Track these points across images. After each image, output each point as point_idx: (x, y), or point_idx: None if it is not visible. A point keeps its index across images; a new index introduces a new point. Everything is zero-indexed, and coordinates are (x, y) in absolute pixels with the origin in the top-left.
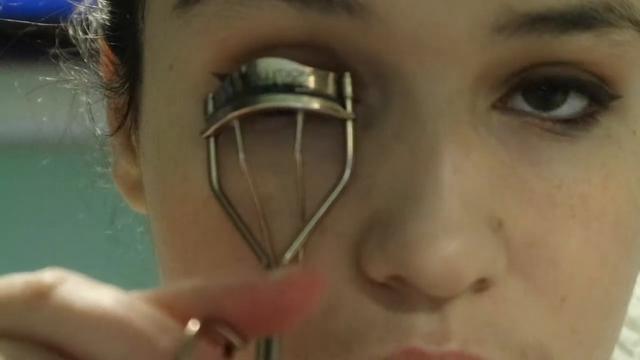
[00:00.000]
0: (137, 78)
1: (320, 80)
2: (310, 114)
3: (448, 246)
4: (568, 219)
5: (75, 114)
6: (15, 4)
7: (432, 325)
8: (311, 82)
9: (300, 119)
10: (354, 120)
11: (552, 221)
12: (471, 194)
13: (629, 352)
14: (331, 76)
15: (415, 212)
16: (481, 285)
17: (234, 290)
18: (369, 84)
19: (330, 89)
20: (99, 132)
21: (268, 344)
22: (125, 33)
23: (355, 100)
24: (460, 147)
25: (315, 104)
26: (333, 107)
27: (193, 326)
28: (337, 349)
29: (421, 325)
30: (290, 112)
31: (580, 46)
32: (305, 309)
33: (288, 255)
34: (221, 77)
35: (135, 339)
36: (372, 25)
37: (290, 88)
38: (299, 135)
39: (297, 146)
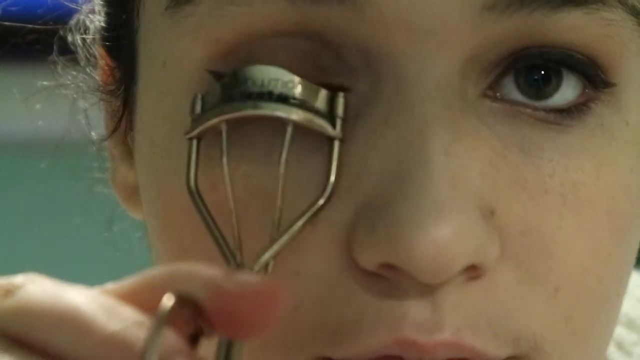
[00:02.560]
0: (133, 80)
1: (313, 95)
2: (300, 126)
3: (438, 230)
4: (560, 207)
5: (73, 117)
6: (14, 8)
7: (424, 314)
8: (304, 95)
9: (289, 131)
10: (341, 140)
11: (544, 209)
12: (462, 178)
13: (628, 353)
14: (324, 92)
15: (404, 194)
16: (474, 273)
17: (205, 279)
18: (360, 73)
19: (322, 105)
20: (95, 136)
21: (229, 347)
22: (121, 33)
23: (346, 89)
24: (451, 132)
25: (305, 118)
26: (323, 125)
27: (167, 301)
28: (329, 340)
29: (413, 315)
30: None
31: (571, 24)
32: (265, 319)
33: (258, 264)
34: (214, 73)
35: (83, 329)
36: (364, 11)
37: (283, 98)
38: (286, 147)
39: (283, 158)
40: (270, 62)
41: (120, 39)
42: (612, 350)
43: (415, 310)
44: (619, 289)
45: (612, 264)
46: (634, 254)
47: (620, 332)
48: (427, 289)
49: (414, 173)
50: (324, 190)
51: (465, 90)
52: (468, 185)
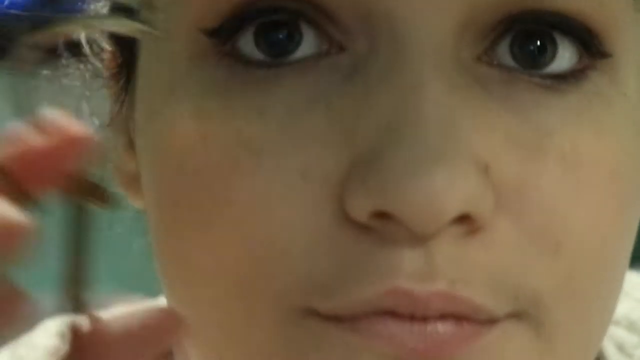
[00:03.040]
0: (134, 64)
1: None
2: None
3: (430, 177)
4: (560, 163)
5: (77, 117)
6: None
7: (417, 263)
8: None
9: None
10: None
11: (543, 166)
12: (454, 129)
13: (629, 355)
14: None
15: (396, 144)
16: (469, 226)
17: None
18: (356, 33)
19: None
20: (99, 135)
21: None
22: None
23: (342, 49)
24: (445, 86)
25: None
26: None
27: None
28: (317, 291)
29: (406, 264)
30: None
31: None
32: (73, 159)
33: None
34: (208, 32)
35: None
36: None
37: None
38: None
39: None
40: (263, 23)
41: None
42: (613, 352)
43: (408, 260)
44: (622, 255)
45: (616, 226)
46: (636, 226)
47: (621, 334)
48: (420, 241)
49: (406, 123)
50: None
51: (460, 53)
52: (461, 137)
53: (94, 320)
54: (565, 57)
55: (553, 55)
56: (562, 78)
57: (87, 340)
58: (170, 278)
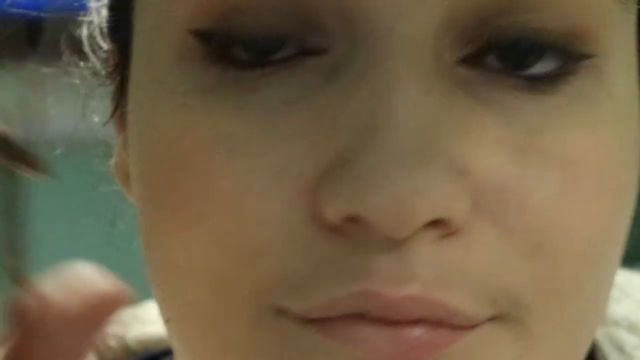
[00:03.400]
0: (129, 60)
1: None
2: None
3: (400, 180)
4: (542, 163)
5: (83, 116)
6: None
7: (390, 266)
8: None
9: None
10: None
11: (524, 166)
12: (430, 132)
13: (630, 356)
14: None
15: (370, 145)
16: (444, 230)
17: None
18: (336, 35)
19: None
20: (99, 125)
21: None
22: (120, 15)
23: (324, 51)
24: (421, 86)
25: None
26: None
27: None
28: (288, 290)
29: (378, 267)
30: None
31: None
32: None
33: None
34: (196, 33)
35: None
36: None
37: None
38: None
39: None
40: (254, 20)
41: (120, 21)
42: (612, 353)
43: (381, 263)
44: (611, 254)
45: (604, 227)
46: (626, 225)
47: (621, 335)
48: (395, 245)
49: (379, 125)
50: None
51: (441, 55)
52: (435, 140)
53: (39, 299)
54: (550, 59)
55: (537, 59)
56: (546, 80)
57: (33, 322)
58: (152, 272)
